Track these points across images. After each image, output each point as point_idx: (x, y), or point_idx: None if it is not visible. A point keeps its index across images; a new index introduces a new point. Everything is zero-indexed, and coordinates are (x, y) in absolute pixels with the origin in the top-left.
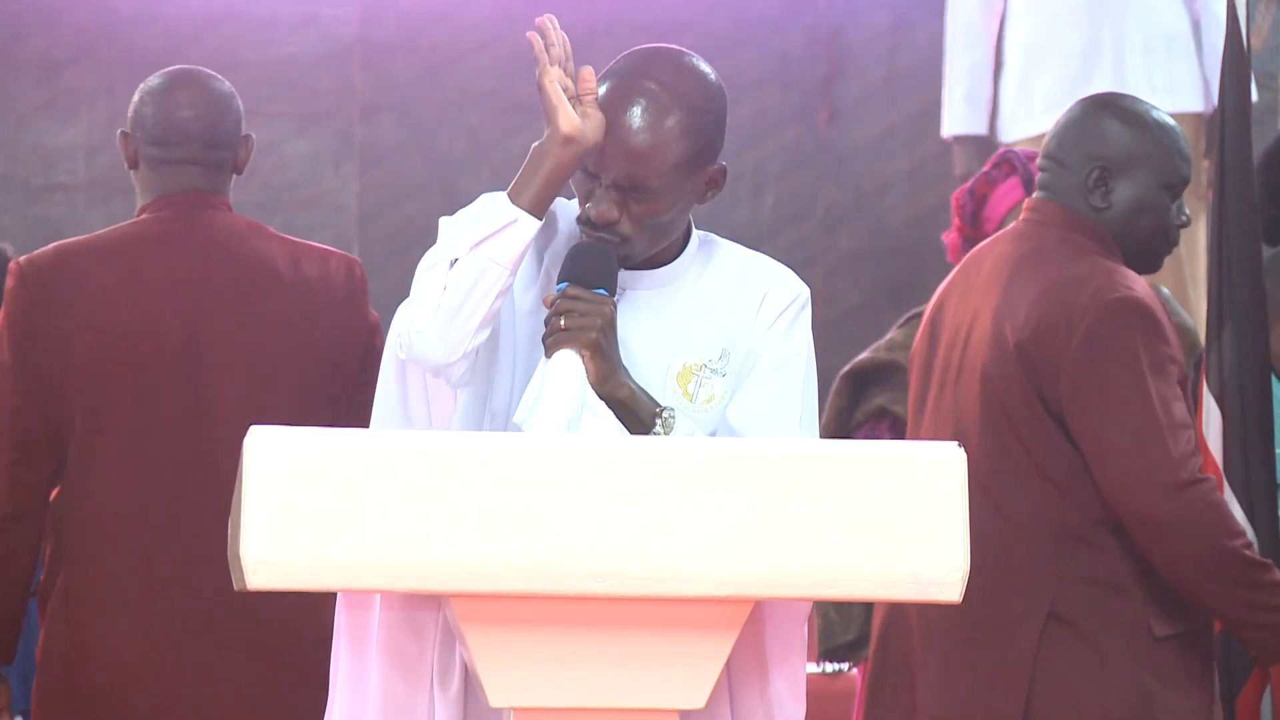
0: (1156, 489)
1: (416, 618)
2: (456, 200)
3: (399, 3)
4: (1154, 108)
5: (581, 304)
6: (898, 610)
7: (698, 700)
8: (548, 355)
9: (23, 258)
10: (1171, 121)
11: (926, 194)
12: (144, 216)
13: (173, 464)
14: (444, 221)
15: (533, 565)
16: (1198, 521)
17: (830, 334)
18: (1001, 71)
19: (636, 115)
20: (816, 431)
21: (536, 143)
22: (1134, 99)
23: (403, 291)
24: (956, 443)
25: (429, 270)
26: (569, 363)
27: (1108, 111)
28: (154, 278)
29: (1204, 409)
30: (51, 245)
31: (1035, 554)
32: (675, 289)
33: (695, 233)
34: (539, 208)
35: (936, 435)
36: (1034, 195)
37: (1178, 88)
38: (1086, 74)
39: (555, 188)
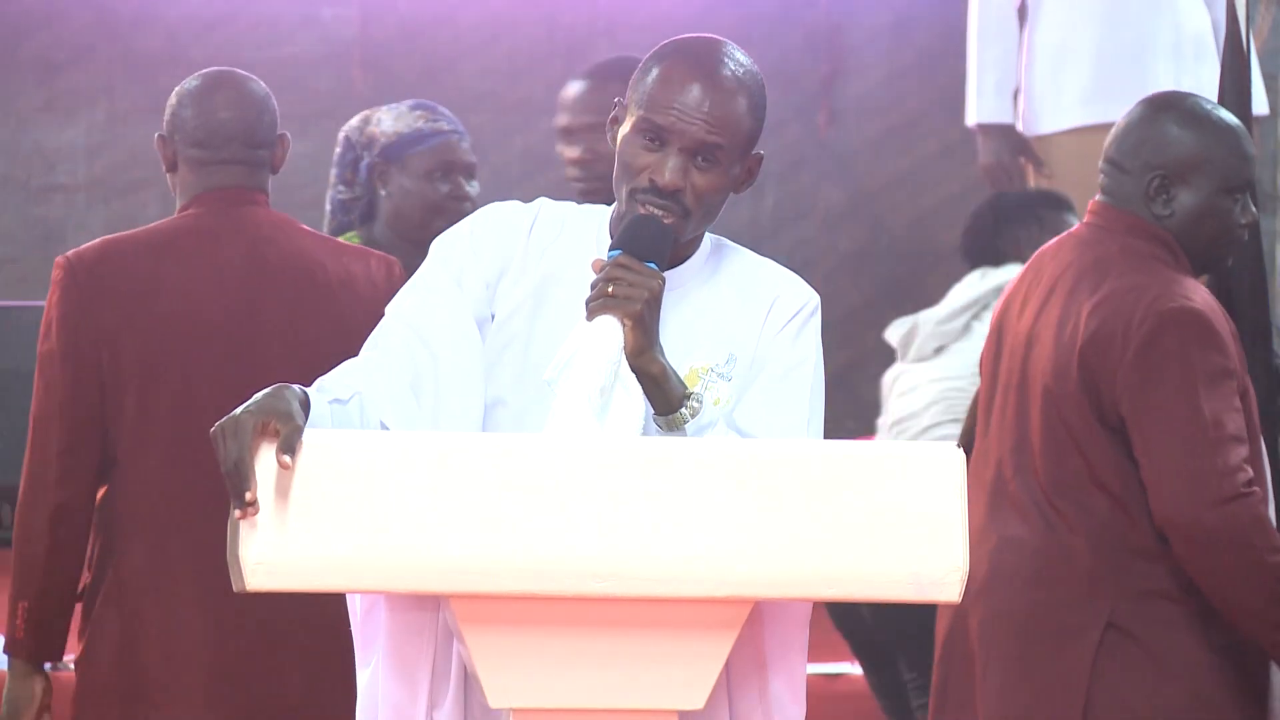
0: (1199, 502)
1: (415, 619)
2: None
3: (399, 3)
4: (1216, 108)
5: (631, 274)
6: (960, 621)
7: (696, 701)
8: (589, 319)
9: (70, 252)
10: (1234, 122)
11: (926, 194)
12: (189, 211)
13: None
14: (436, 245)
15: (533, 565)
16: (1238, 536)
17: (830, 334)
18: (1032, 63)
19: (712, 83)
20: (822, 438)
21: None
22: (1196, 99)
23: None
24: (1017, 454)
25: (390, 315)
26: (609, 330)
27: (1167, 115)
28: (203, 270)
29: None
30: (98, 240)
31: (1095, 567)
32: (685, 291)
33: (708, 236)
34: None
35: (1000, 445)
36: (1096, 199)
37: (1203, 89)
38: (1116, 72)
39: None
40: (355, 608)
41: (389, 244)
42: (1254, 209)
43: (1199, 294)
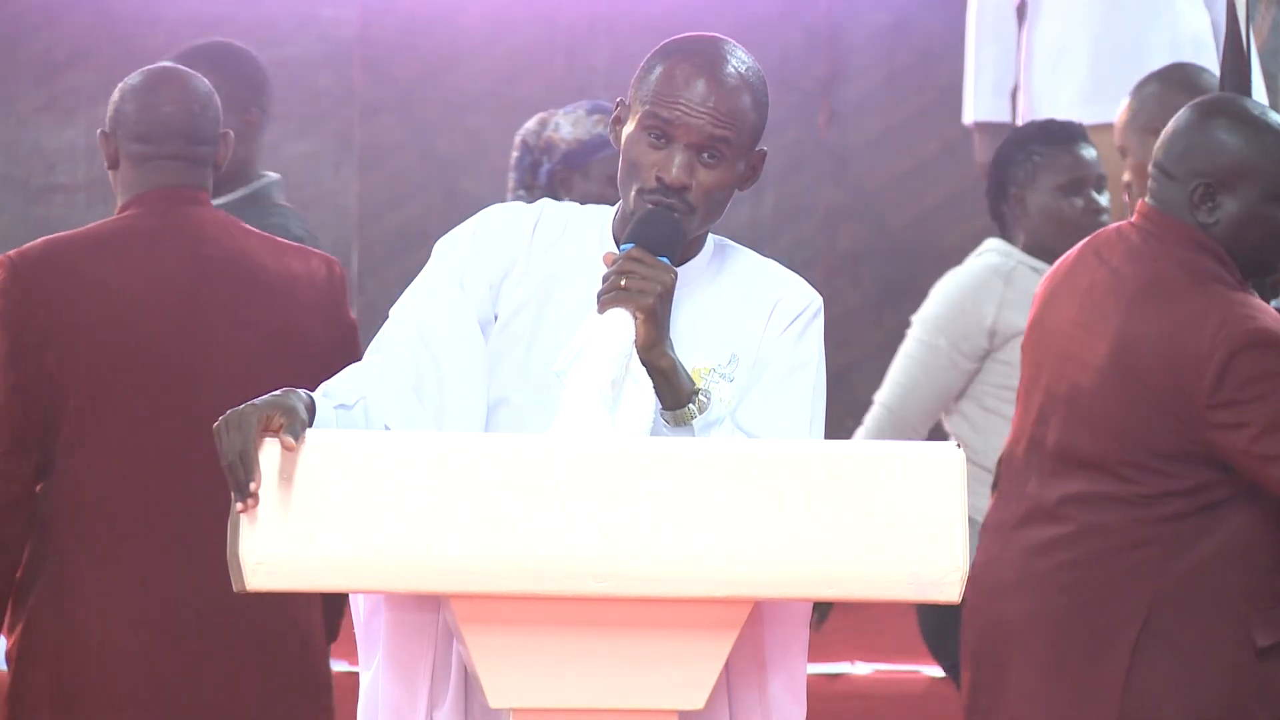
0: None
1: (416, 619)
2: (456, 201)
3: (399, 3)
4: (1266, 113)
5: (644, 268)
6: (991, 623)
7: (696, 701)
8: (600, 311)
9: (13, 251)
10: None
11: (926, 194)
12: (130, 211)
13: (166, 459)
14: (439, 246)
15: (533, 565)
16: None
17: (830, 334)
18: (1030, 62)
19: (717, 78)
20: (823, 438)
21: None
22: (1246, 104)
23: (403, 291)
24: (1054, 460)
25: (392, 319)
26: (620, 323)
27: (1215, 121)
28: (148, 272)
29: None
30: (40, 240)
31: (1129, 572)
32: (688, 291)
33: (711, 237)
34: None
35: (1036, 449)
36: (1145, 200)
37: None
38: (1114, 73)
39: None
40: (358, 611)
41: None
42: None
43: (1264, 312)
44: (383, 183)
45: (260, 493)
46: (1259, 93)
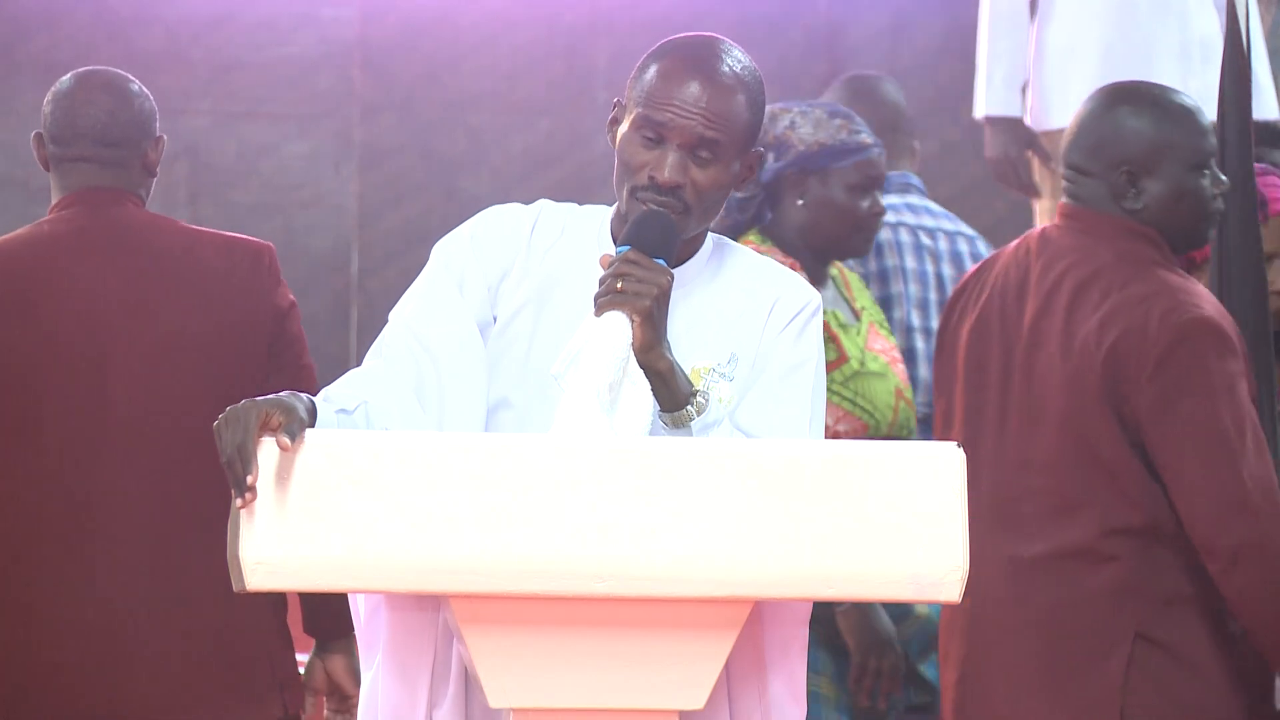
0: (1226, 513)
1: (416, 619)
2: (456, 200)
3: (399, 3)
4: (1166, 92)
5: (640, 270)
6: (978, 641)
7: (697, 701)
8: (597, 314)
9: None
10: (1187, 102)
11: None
12: (51, 215)
13: (73, 465)
14: (437, 249)
15: (533, 566)
16: (1269, 547)
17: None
18: (1041, 59)
19: (710, 79)
20: (823, 438)
21: None
22: (1144, 87)
23: (403, 292)
24: (1025, 471)
25: (392, 324)
26: (617, 325)
27: (1120, 110)
28: (45, 282)
29: None
30: None
31: (1118, 580)
32: (687, 291)
33: (710, 236)
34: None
35: (999, 462)
36: (1064, 201)
37: (1210, 91)
38: (1123, 73)
39: None
40: (358, 611)
41: (795, 252)
42: (1223, 177)
43: (1206, 299)
44: (383, 183)
45: (260, 491)
46: (1269, 96)
